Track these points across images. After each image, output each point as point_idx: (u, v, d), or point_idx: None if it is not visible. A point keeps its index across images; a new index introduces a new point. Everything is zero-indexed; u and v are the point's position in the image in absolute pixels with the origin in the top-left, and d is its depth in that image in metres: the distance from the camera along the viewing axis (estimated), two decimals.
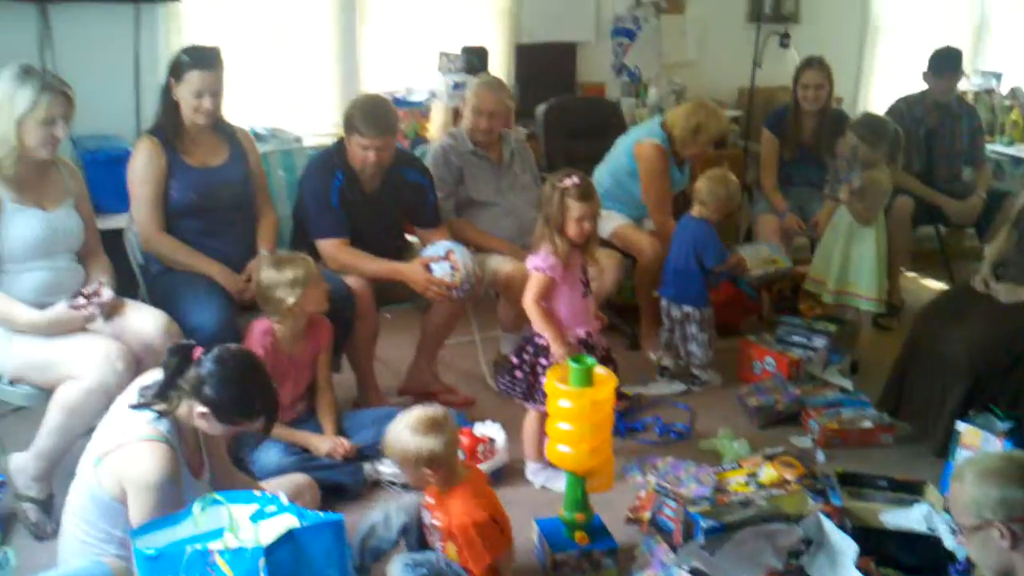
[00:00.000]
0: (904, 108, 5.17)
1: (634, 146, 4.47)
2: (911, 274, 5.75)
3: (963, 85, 5.65)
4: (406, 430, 2.58)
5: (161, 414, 2.41)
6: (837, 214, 4.43)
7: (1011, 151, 5.73)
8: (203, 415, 2.41)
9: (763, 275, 4.43)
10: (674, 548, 2.86)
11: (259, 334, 3.19)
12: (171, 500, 2.34)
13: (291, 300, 3.16)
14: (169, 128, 3.40)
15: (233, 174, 3.51)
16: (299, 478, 2.85)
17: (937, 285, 5.50)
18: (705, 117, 4.40)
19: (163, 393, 2.42)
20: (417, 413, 2.63)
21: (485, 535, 2.59)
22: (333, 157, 3.70)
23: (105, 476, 2.39)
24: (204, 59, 3.37)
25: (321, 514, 2.32)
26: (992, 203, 5.02)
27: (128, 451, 2.36)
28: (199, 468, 2.58)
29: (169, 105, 3.40)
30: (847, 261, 4.36)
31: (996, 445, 3.18)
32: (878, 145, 4.26)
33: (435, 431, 2.58)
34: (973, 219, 5.13)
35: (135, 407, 2.43)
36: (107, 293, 2.93)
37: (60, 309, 2.88)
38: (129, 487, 2.35)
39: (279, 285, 3.16)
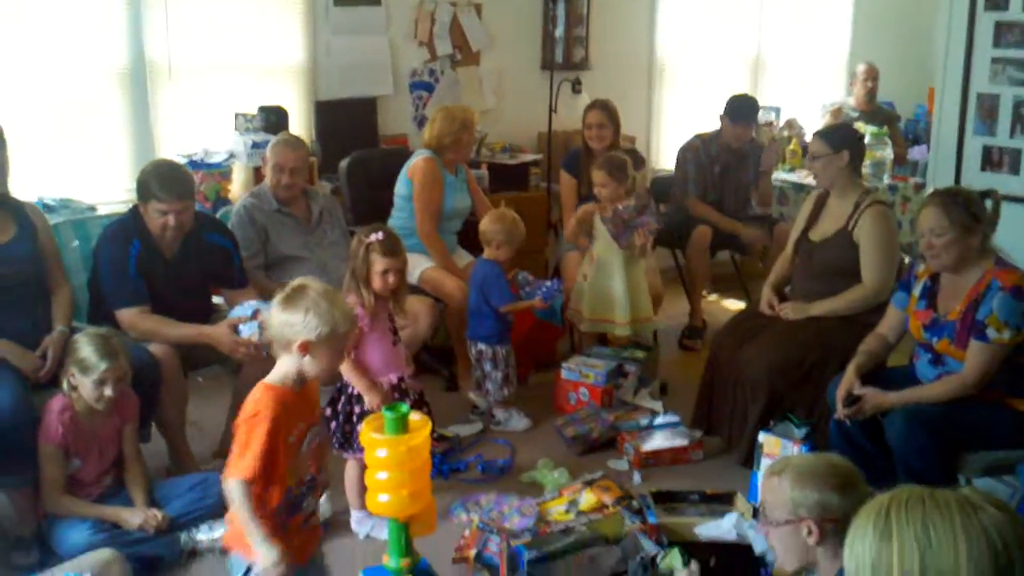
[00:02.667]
0: (700, 145, 5.46)
1: (407, 170, 4.64)
2: (712, 297, 6.08)
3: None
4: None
5: None
6: (597, 251, 4.48)
7: (792, 178, 6.12)
8: None
9: None
10: None
11: (57, 412, 3.06)
12: None
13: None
14: None
15: (21, 251, 3.37)
16: (104, 554, 2.73)
17: (736, 306, 5.81)
18: (463, 113, 4.68)
19: None
20: None
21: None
22: (129, 224, 3.61)
23: None
24: None
25: None
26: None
27: None
28: None
29: None
30: (623, 293, 4.44)
31: (794, 450, 3.38)
32: (624, 181, 4.45)
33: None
34: (761, 244, 5.45)
35: None
36: None
37: None
38: None
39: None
